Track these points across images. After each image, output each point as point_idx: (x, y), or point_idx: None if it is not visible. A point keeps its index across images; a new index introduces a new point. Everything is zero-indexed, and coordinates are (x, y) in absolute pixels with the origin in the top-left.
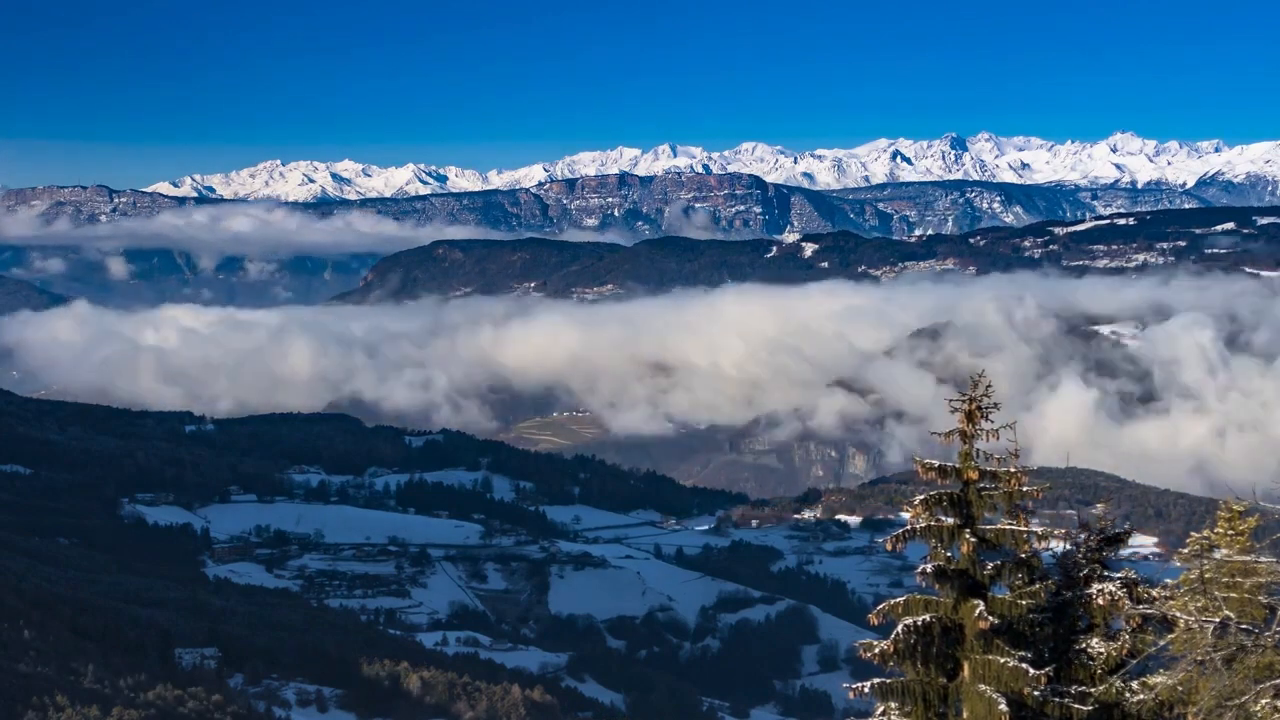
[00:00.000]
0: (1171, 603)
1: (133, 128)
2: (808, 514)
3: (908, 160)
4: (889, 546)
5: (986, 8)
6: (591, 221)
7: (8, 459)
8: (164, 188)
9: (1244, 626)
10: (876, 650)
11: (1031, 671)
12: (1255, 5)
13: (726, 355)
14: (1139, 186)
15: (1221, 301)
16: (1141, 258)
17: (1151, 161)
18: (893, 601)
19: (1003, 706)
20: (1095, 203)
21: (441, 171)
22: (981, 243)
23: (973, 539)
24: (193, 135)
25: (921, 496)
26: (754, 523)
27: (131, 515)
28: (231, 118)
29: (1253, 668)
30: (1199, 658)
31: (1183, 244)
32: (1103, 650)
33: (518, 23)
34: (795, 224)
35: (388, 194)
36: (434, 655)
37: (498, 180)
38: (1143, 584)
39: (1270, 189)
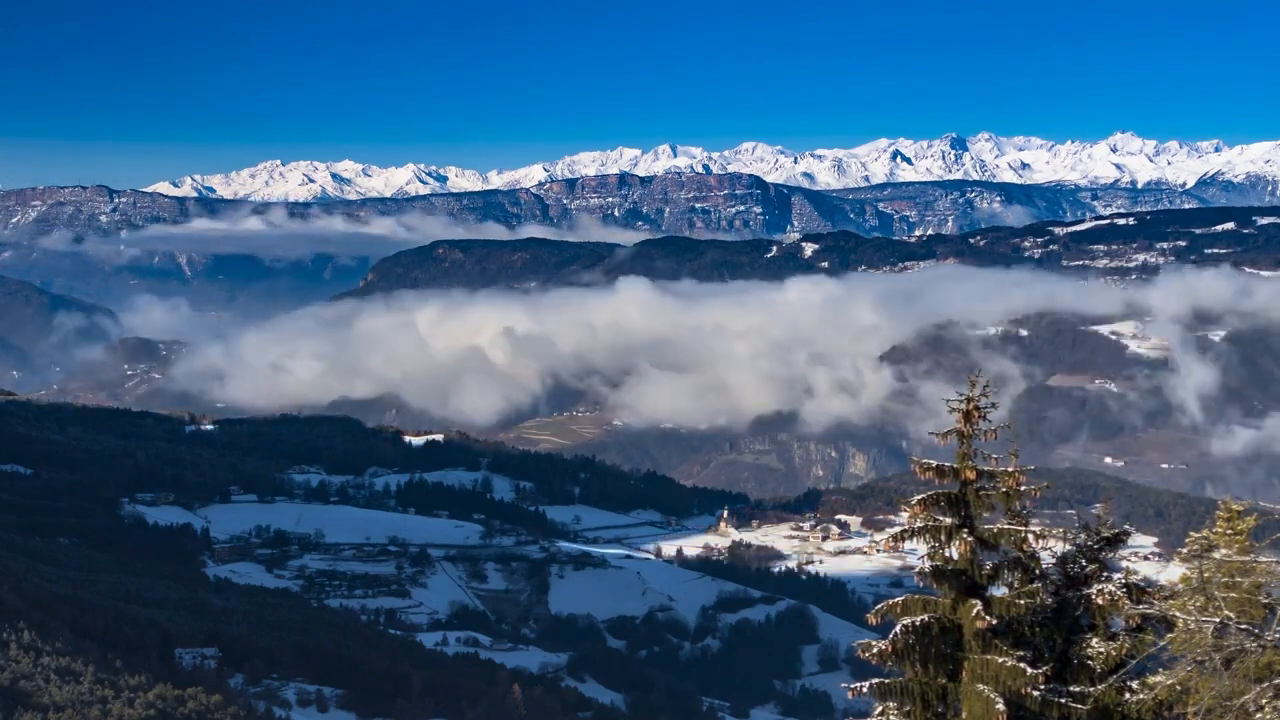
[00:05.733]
0: (1171, 603)
1: (133, 128)
2: (808, 514)
3: (908, 160)
4: (887, 546)
5: (986, 8)
6: (592, 221)
7: (8, 459)
8: (164, 188)
9: (1244, 626)
10: (875, 650)
11: (1029, 671)
12: (1256, 5)
13: (727, 355)
14: (1139, 186)
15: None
16: (1141, 258)
17: (1151, 161)
18: (891, 601)
19: (1000, 706)
20: (1095, 203)
21: (441, 171)
22: (981, 243)
23: (971, 539)
24: (193, 135)
25: (920, 496)
26: (754, 523)
27: (132, 515)
28: (231, 118)
29: (1252, 668)
30: (1199, 658)
31: (1183, 244)
32: (1103, 650)
33: (518, 23)
34: (795, 224)
35: (388, 194)
36: (434, 655)
37: (498, 180)
38: (1143, 584)
39: (1270, 189)
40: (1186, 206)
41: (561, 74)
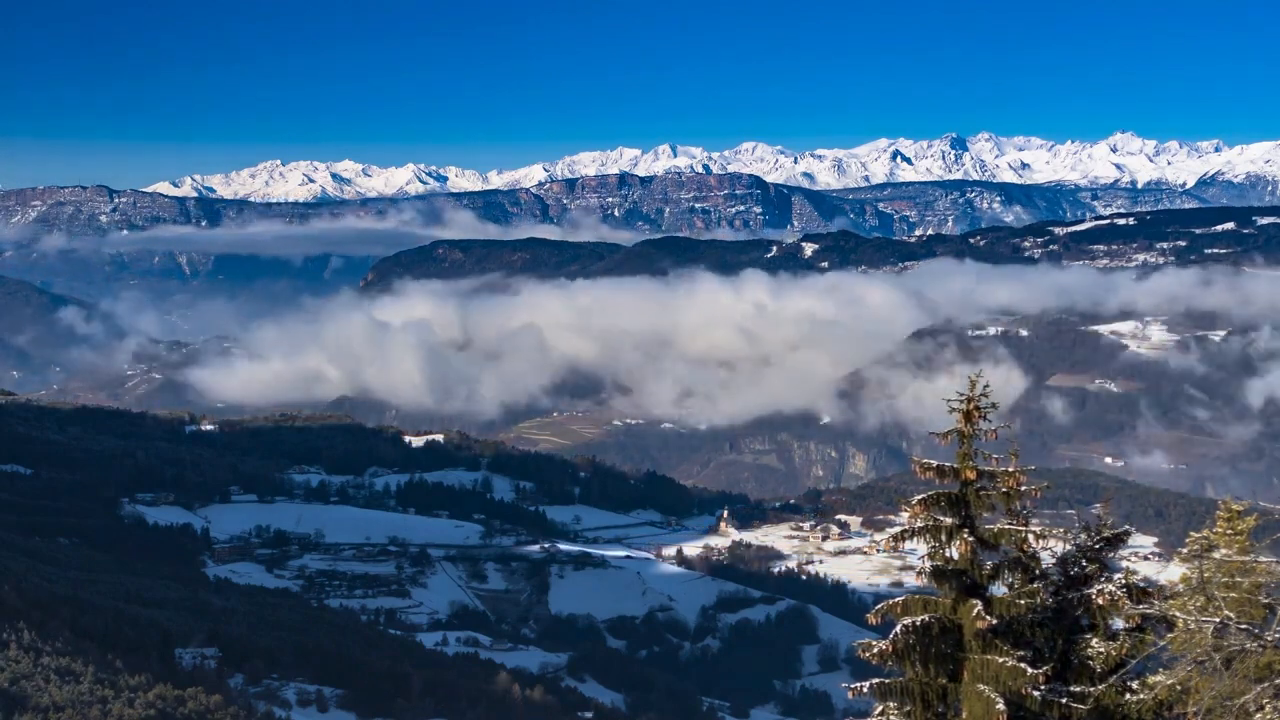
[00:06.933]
0: (1171, 603)
1: (133, 128)
2: (808, 514)
3: (908, 160)
4: (887, 546)
5: (986, 8)
6: (592, 221)
7: (8, 459)
8: (164, 188)
9: (1244, 626)
10: (875, 650)
11: (1030, 671)
12: (1256, 5)
13: (727, 355)
14: (1139, 186)
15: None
16: (1141, 258)
17: (1151, 161)
18: (891, 601)
19: (1000, 706)
20: (1095, 203)
21: (441, 171)
22: (981, 243)
23: (971, 539)
24: (193, 135)
25: (920, 496)
26: (754, 523)
27: (132, 515)
28: (231, 118)
29: (1252, 668)
30: (1199, 658)
31: (1183, 244)
32: (1103, 650)
33: (518, 23)
34: (795, 224)
35: (388, 194)
36: (434, 655)
37: (498, 180)
38: (1143, 584)
39: (1270, 189)
40: (1186, 206)
41: (561, 74)
